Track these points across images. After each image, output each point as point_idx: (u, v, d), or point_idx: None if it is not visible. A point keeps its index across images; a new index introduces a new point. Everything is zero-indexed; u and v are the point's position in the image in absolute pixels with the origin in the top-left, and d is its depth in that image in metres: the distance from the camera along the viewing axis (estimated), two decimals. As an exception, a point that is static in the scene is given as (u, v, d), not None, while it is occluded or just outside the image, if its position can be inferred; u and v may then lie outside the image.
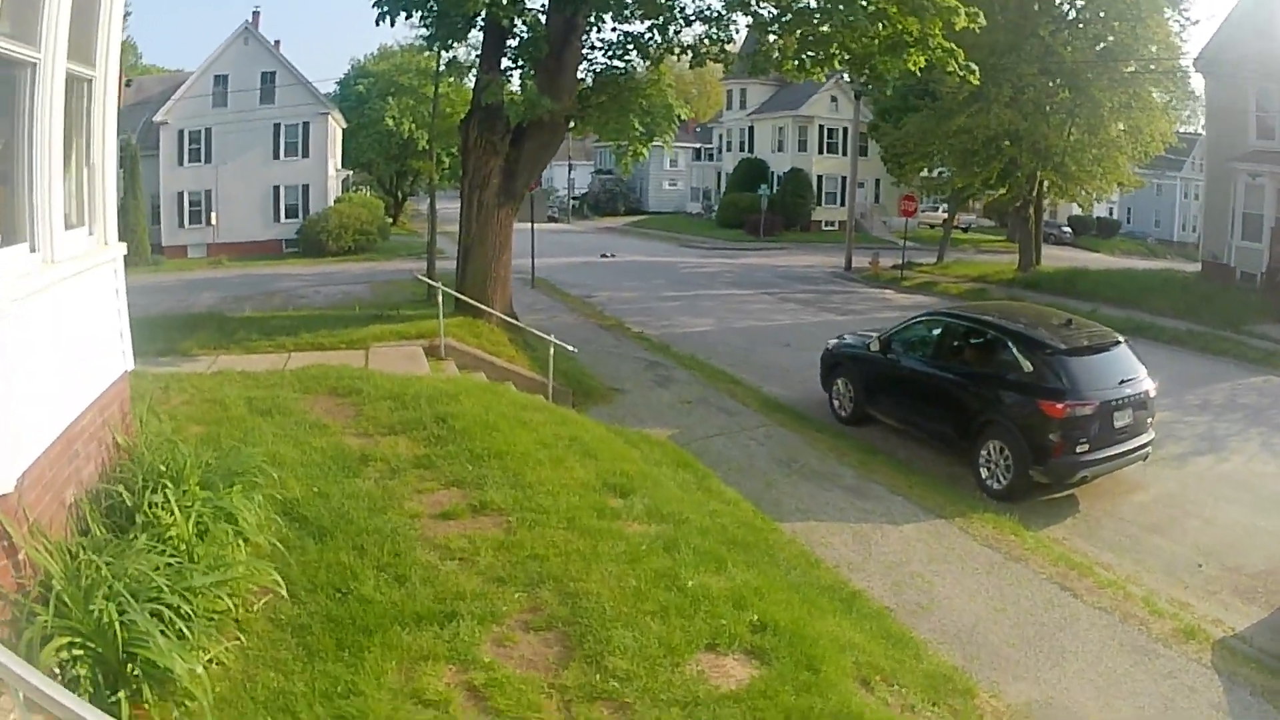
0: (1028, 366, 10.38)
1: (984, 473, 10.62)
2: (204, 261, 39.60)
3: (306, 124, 43.21)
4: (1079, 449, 9.97)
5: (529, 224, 24.82)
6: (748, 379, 15.72)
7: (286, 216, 43.00)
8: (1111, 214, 63.17)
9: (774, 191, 52.80)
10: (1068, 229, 56.45)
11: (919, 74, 15.26)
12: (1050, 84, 28.09)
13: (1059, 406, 9.88)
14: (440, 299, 12.69)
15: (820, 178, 55.36)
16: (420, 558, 5.21)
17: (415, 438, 7.44)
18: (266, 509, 5.29)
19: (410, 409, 8.08)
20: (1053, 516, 9.97)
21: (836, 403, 13.50)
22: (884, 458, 11.32)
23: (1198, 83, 28.94)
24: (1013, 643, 7.02)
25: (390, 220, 52.60)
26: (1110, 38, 28.35)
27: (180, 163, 40.67)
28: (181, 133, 40.62)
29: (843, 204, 56.26)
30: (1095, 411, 10.00)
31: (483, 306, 14.18)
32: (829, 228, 55.09)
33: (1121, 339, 11.10)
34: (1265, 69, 23.65)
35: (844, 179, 55.82)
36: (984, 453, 10.61)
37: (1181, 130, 31.50)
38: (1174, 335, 19.09)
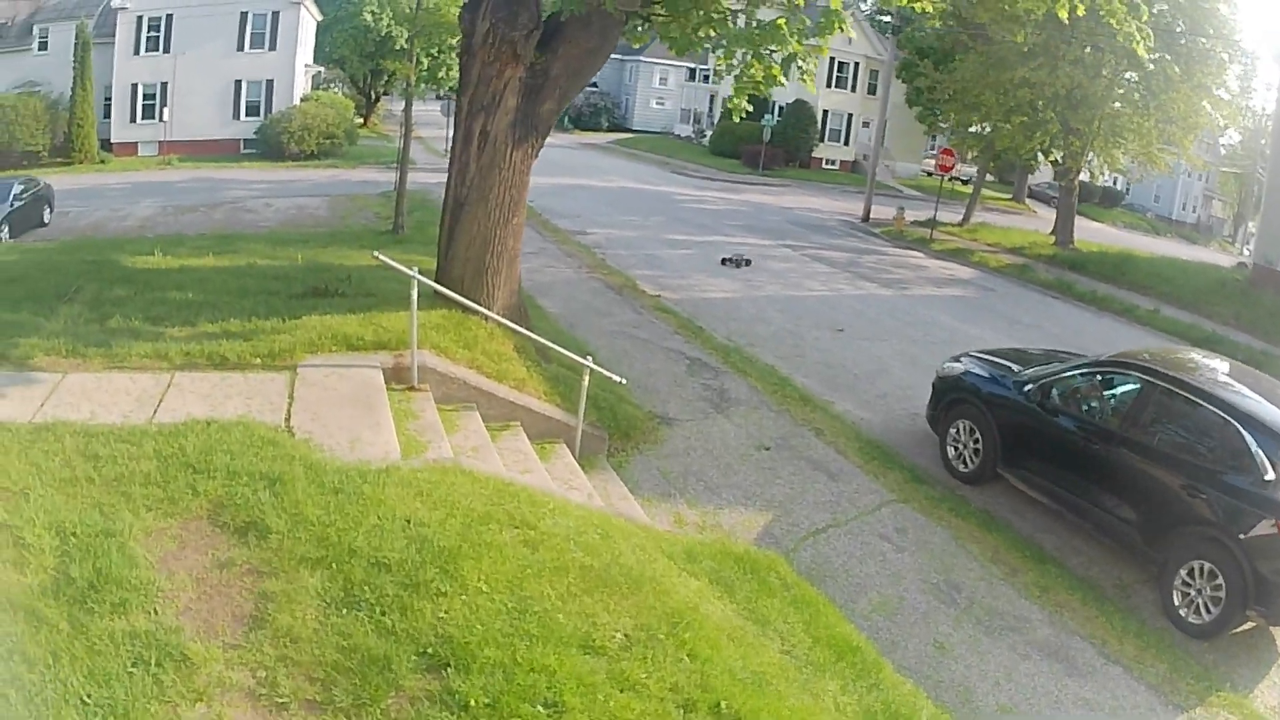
0: (1270, 473, 7.40)
1: (1177, 598, 7.79)
2: (154, 160, 36.03)
3: (276, 13, 39.04)
4: (1317, 585, 7.19)
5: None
6: (814, 390, 12.27)
7: (247, 114, 39.02)
8: (1115, 184, 60.54)
9: (775, 122, 48.88)
10: (1071, 195, 53.61)
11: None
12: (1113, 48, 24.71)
13: (1314, 534, 7.02)
14: (415, 291, 7.83)
15: (826, 113, 51.46)
16: None
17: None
18: None
19: (366, 609, 4.34)
20: (1257, 666, 7.41)
21: (953, 450, 10.23)
22: (1055, 569, 8.28)
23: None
24: None
25: (360, 122, 48.89)
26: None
27: (137, 52, 36.49)
28: (140, 19, 36.29)
29: (846, 142, 52.82)
30: (1345, 538, 7.19)
31: (475, 306, 9.22)
32: (830, 166, 51.73)
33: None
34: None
35: (850, 116, 52.22)
36: (1184, 573, 7.77)
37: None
38: (1249, 356, 16.19)
